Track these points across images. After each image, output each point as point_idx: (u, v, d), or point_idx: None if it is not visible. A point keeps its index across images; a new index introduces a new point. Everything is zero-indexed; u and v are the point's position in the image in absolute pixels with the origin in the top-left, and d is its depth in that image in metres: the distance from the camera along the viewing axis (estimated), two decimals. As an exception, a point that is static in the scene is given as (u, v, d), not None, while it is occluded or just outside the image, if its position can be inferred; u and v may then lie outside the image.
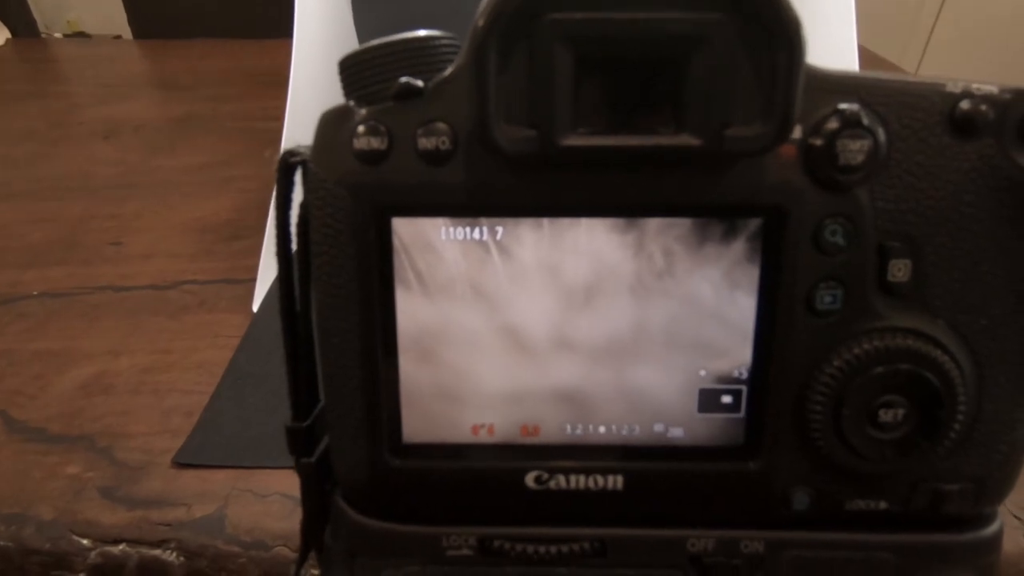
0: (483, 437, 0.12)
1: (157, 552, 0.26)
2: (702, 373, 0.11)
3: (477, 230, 0.11)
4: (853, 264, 0.10)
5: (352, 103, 0.10)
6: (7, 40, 0.99)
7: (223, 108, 0.72)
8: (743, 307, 0.11)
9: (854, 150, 0.10)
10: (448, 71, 0.10)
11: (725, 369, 0.11)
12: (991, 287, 0.10)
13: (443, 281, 0.11)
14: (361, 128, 0.10)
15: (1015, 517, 0.26)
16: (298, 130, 0.42)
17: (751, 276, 0.11)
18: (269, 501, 0.27)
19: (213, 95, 0.76)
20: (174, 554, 0.26)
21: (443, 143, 0.10)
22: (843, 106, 0.10)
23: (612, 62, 0.09)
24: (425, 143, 0.10)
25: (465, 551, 0.12)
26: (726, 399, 0.11)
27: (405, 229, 0.11)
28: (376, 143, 0.10)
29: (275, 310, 0.40)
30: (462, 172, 0.10)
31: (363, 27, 0.57)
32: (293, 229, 0.12)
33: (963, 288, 0.10)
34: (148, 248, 0.46)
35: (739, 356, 0.11)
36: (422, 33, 0.10)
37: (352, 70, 0.10)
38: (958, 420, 0.10)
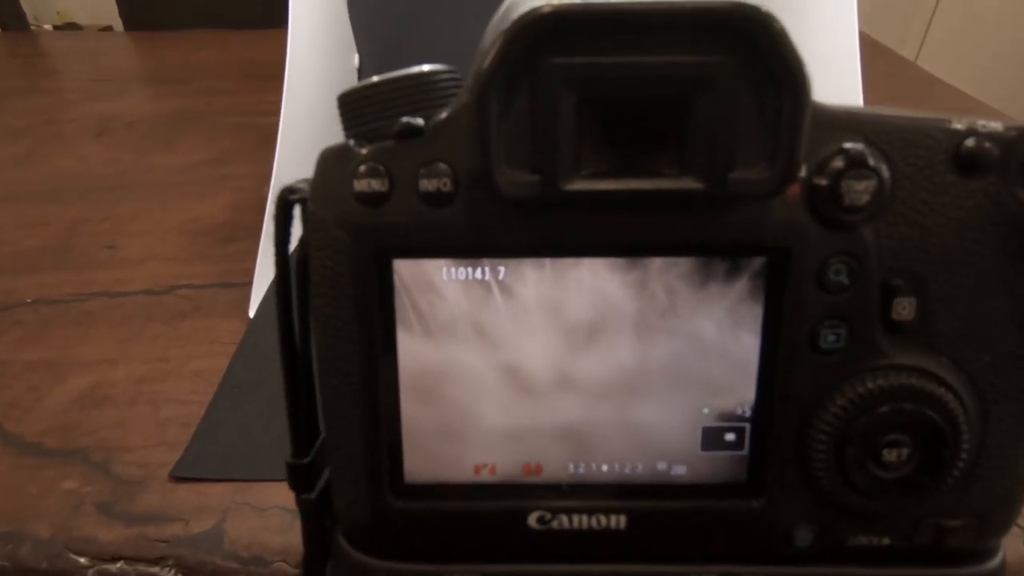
0: (485, 476, 0.11)
1: (155, 569, 0.26)
2: (705, 411, 0.11)
3: (479, 270, 0.10)
4: (857, 302, 0.10)
5: (352, 142, 0.10)
6: (-4, 34, 0.98)
7: (217, 102, 0.71)
8: (746, 345, 0.10)
9: (859, 190, 0.10)
10: (449, 110, 0.10)
11: (728, 407, 0.11)
12: (995, 324, 0.10)
13: (445, 321, 0.10)
14: (362, 169, 0.10)
15: (1016, 525, 0.26)
16: (293, 134, 0.41)
17: (755, 314, 0.10)
18: (268, 515, 0.27)
19: (206, 88, 0.75)
20: (172, 571, 0.26)
21: (444, 185, 0.10)
22: (848, 145, 0.10)
23: (615, 104, 0.09)
24: (426, 185, 0.10)
25: None
26: (729, 437, 0.11)
27: (406, 270, 0.10)
28: (377, 185, 0.10)
29: (271, 316, 0.39)
30: (464, 213, 0.10)
31: (359, 25, 0.56)
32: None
33: (967, 325, 0.10)
34: (143, 251, 0.45)
35: (742, 394, 0.11)
36: (424, 68, 0.10)
37: (352, 106, 0.10)
38: (962, 458, 0.11)
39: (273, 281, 0.40)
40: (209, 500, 0.28)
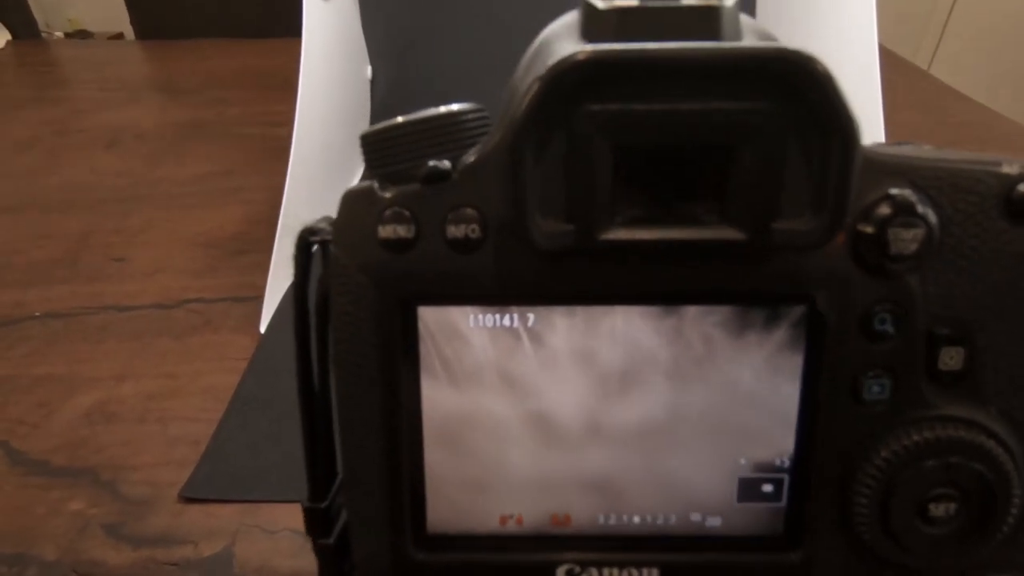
0: (511, 528, 0.11)
1: (164, 594, 0.25)
2: (742, 461, 0.10)
3: (507, 317, 0.10)
4: (902, 352, 0.10)
5: (376, 184, 0.10)
6: (7, 42, 0.98)
7: (227, 113, 0.71)
8: (786, 394, 0.10)
9: (906, 239, 0.09)
10: (477, 153, 0.09)
11: (766, 457, 0.10)
12: None
13: (471, 368, 0.10)
14: (387, 214, 0.09)
15: None
16: (306, 147, 0.41)
17: (794, 363, 0.10)
18: (278, 537, 0.27)
19: (216, 99, 0.75)
20: (181, 596, 0.25)
21: (473, 231, 0.09)
22: (894, 191, 0.09)
23: (654, 152, 0.08)
24: (454, 231, 0.09)
25: None
26: (767, 488, 0.11)
27: (432, 316, 0.10)
28: (403, 231, 0.09)
29: (282, 332, 0.39)
30: (492, 260, 0.09)
31: (373, 37, 0.56)
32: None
33: (1017, 374, 0.10)
34: (152, 264, 0.45)
35: (781, 444, 0.10)
36: (452, 108, 0.09)
37: (375, 146, 0.09)
38: (1012, 512, 0.10)
39: (285, 297, 0.40)
40: (218, 522, 0.27)
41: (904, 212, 0.09)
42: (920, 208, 0.09)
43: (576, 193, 0.09)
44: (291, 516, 0.27)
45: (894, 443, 0.10)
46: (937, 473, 0.10)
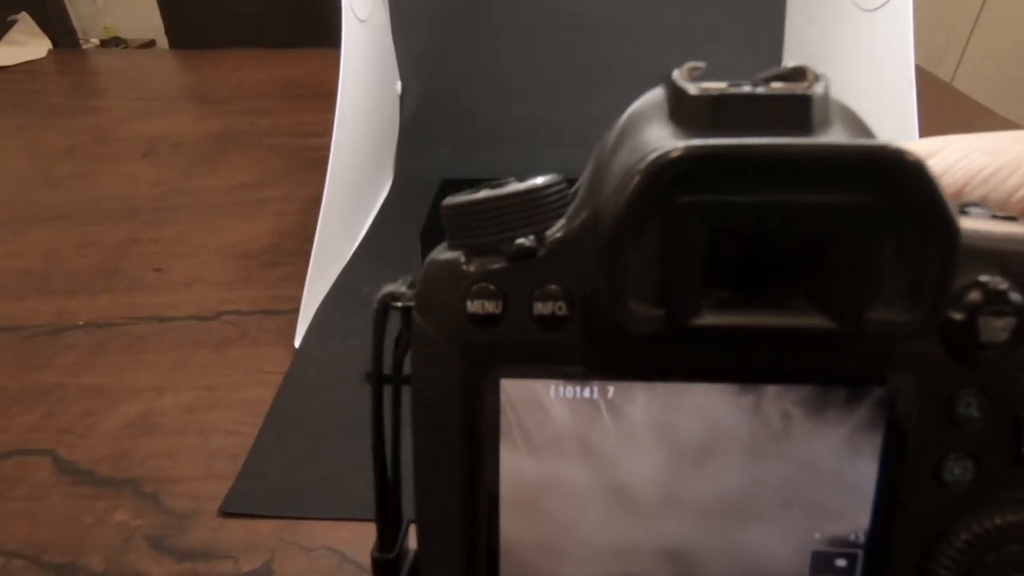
0: None
1: (206, 607, 0.26)
2: (816, 535, 0.10)
3: (588, 389, 0.10)
4: (987, 436, 0.10)
5: (462, 258, 0.10)
6: (48, 51, 1.01)
7: (259, 123, 0.72)
8: (864, 472, 0.10)
9: (997, 327, 0.09)
10: (562, 230, 0.09)
11: (841, 532, 0.10)
12: None
13: (550, 438, 0.10)
14: (474, 288, 0.10)
15: None
16: (342, 159, 0.41)
17: (874, 443, 0.10)
18: (315, 556, 0.27)
19: (248, 109, 0.77)
20: (222, 610, 0.26)
21: (559, 308, 0.10)
22: (985, 279, 0.09)
23: (747, 240, 0.09)
24: (541, 308, 0.10)
25: None
26: (840, 563, 0.11)
27: (514, 388, 0.10)
28: (491, 307, 0.10)
29: (317, 347, 0.40)
30: (578, 338, 0.10)
31: (404, 55, 0.56)
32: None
33: None
34: (189, 275, 0.46)
35: (857, 520, 0.10)
36: (538, 182, 0.10)
37: (458, 219, 0.10)
38: None
39: (319, 313, 0.40)
40: (257, 538, 0.28)
41: (995, 301, 0.09)
42: (1012, 296, 0.09)
43: (670, 279, 0.09)
44: (328, 534, 0.28)
45: (975, 526, 0.10)
46: (1021, 557, 0.10)
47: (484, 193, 0.09)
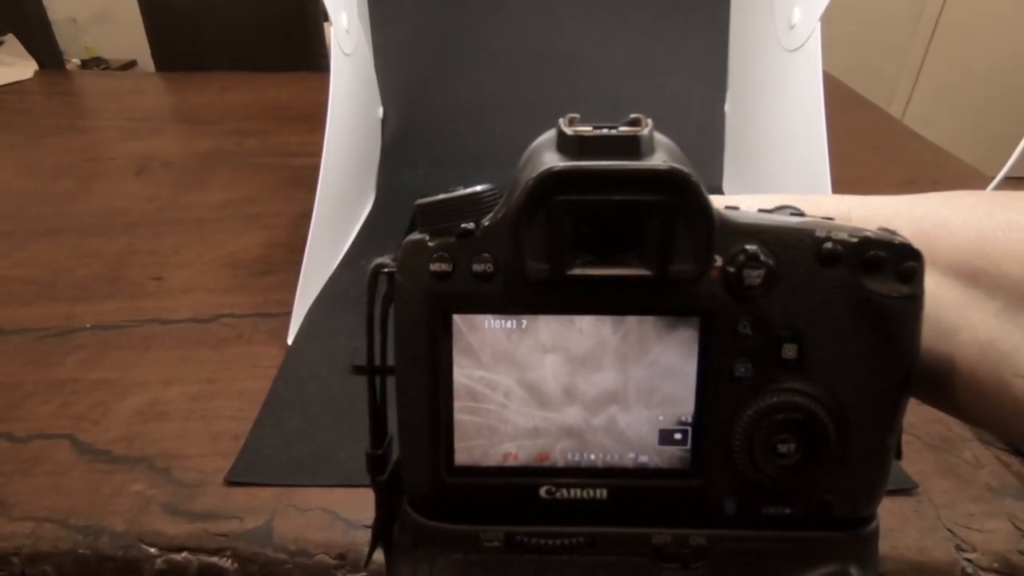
0: (510, 462, 0.16)
1: (215, 559, 0.30)
2: (661, 418, 0.16)
3: (510, 321, 0.15)
4: (759, 347, 0.15)
5: (427, 237, 0.15)
6: (35, 72, 1.04)
7: (246, 143, 0.77)
8: (688, 374, 0.15)
9: (754, 276, 0.15)
10: (491, 219, 0.15)
11: (677, 415, 0.16)
12: (850, 363, 0.15)
13: (487, 353, 0.15)
14: (435, 256, 0.15)
15: (948, 530, 0.31)
16: (331, 178, 0.46)
17: (694, 352, 0.15)
18: (310, 515, 0.32)
19: (235, 129, 0.81)
20: (229, 561, 0.30)
21: (488, 268, 0.15)
22: (748, 247, 0.15)
23: (599, 221, 0.14)
24: (477, 267, 0.15)
25: (495, 543, 0.16)
26: (677, 436, 0.16)
27: (462, 321, 0.15)
28: (444, 267, 0.15)
29: (308, 344, 0.44)
30: (501, 286, 0.15)
31: (385, 82, 0.62)
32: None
33: (834, 364, 0.15)
34: (187, 282, 0.50)
35: (686, 407, 0.16)
36: (478, 189, 0.15)
37: (427, 212, 0.15)
38: (832, 450, 0.15)
39: (309, 312, 0.45)
40: (259, 502, 0.32)
41: (753, 259, 0.15)
42: (763, 257, 0.15)
43: (552, 246, 0.14)
44: (321, 497, 0.32)
45: (755, 406, 0.15)
46: (782, 424, 0.15)
47: (442, 195, 0.15)
